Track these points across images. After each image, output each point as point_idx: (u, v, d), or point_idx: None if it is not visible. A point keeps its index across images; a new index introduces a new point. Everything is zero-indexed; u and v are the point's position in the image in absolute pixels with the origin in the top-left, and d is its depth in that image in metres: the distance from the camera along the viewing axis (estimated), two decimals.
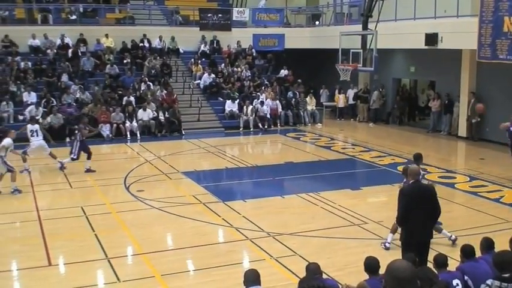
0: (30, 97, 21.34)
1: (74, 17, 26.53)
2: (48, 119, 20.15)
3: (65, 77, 22.92)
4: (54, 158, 15.59)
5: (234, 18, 27.80)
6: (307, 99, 25.19)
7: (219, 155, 18.12)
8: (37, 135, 15.52)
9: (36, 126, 15.77)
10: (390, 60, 24.01)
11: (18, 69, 22.83)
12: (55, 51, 24.45)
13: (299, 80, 26.30)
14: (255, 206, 12.38)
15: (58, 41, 24.81)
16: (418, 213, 7.31)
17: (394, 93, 24.91)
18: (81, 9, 26.93)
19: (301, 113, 24.59)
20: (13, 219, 11.54)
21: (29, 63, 23.33)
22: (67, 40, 24.97)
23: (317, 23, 29.04)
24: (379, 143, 19.78)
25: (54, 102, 21.37)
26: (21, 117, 20.54)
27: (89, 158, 15.43)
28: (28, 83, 22.24)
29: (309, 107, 25.00)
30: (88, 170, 15.33)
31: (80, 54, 24.50)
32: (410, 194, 7.43)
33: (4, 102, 20.68)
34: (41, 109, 20.67)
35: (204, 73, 25.18)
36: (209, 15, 27.51)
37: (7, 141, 13.21)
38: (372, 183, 14.41)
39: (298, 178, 15.31)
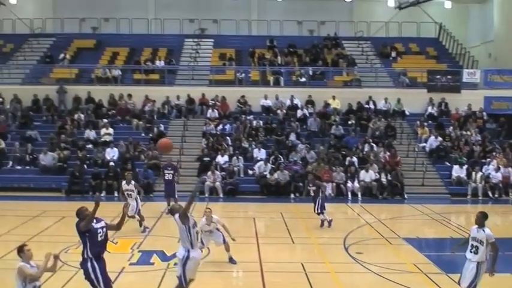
0: (260, 153, 22.87)
1: (303, 79, 28.23)
2: (276, 175, 21.33)
3: (292, 136, 24.11)
4: (142, 220, 14.90)
5: (464, 80, 26.98)
6: None
7: (443, 223, 17.12)
8: (131, 196, 14.97)
9: (131, 186, 15.15)
10: None
11: (250, 127, 24.76)
12: (285, 111, 26.01)
13: None
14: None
15: (288, 102, 26.42)
16: None
17: None
18: (310, 72, 28.63)
19: None
20: (237, 268, 12.14)
21: (261, 122, 25.18)
22: (296, 101, 26.44)
23: None
24: None
25: (282, 159, 22.51)
26: (250, 172, 22.04)
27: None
28: (259, 140, 23.89)
29: None
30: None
31: (308, 115, 25.71)
32: None
33: (235, 157, 22.40)
34: (269, 165, 21.95)
35: (430, 136, 24.44)
36: (438, 76, 27.16)
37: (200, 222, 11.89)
38: None
39: None
